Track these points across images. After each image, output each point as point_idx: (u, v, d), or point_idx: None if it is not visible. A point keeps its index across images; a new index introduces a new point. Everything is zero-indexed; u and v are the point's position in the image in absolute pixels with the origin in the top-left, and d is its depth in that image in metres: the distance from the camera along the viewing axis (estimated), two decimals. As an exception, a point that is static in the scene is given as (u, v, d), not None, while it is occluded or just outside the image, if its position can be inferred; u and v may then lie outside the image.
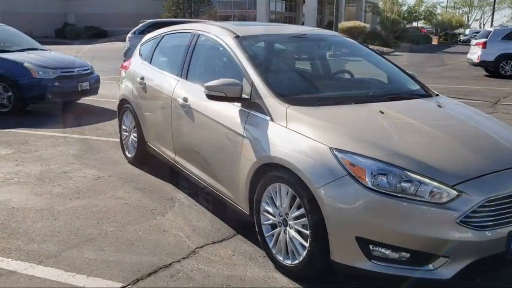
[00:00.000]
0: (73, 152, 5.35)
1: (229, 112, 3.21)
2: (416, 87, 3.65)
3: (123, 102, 4.96)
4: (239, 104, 3.15)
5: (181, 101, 3.74)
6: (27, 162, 4.92)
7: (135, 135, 4.77)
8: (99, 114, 7.65)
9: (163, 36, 4.63)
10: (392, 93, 3.46)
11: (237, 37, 3.54)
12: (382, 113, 2.90)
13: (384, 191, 2.32)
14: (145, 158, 4.83)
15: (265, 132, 2.87)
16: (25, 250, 3.02)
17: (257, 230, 2.98)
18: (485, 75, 15.71)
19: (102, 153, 5.34)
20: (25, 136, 6.02)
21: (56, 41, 30.78)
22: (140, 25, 13.36)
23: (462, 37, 57.70)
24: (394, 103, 3.16)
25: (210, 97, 3.14)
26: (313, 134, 2.63)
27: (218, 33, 3.72)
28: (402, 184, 2.33)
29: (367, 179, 2.35)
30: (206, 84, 3.14)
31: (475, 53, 15.75)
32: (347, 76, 4.01)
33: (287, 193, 2.69)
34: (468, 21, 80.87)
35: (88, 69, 8.08)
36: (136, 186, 4.27)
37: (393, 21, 37.63)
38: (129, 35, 13.05)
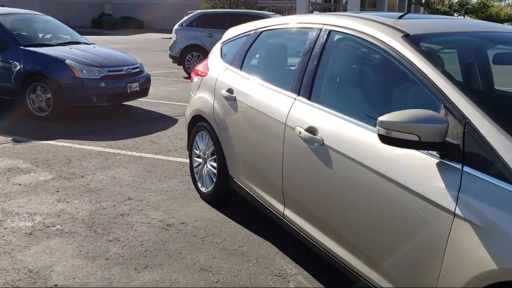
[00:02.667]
0: (128, 178, 4.16)
1: (414, 163, 1.90)
2: None
3: (197, 120, 3.71)
4: (435, 153, 1.85)
5: (304, 132, 2.46)
6: (72, 195, 3.75)
7: (214, 165, 3.53)
8: (151, 121, 6.47)
9: (260, 33, 3.32)
10: None
11: (407, 36, 2.22)
12: None
13: None
14: (226, 195, 3.60)
15: (518, 218, 1.54)
16: None
17: None
18: None
19: (165, 181, 4.12)
20: (67, 152, 4.88)
21: (92, 31, 30.03)
22: (187, 16, 12.09)
23: (509, 32, 54.31)
24: None
25: (387, 140, 1.84)
26: None
27: (366, 29, 2.40)
28: None
29: None
30: (381, 119, 1.83)
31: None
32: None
33: None
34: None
35: (138, 67, 6.91)
36: (222, 245, 3.03)
37: (443, 13, 35.43)
38: (175, 27, 11.79)
